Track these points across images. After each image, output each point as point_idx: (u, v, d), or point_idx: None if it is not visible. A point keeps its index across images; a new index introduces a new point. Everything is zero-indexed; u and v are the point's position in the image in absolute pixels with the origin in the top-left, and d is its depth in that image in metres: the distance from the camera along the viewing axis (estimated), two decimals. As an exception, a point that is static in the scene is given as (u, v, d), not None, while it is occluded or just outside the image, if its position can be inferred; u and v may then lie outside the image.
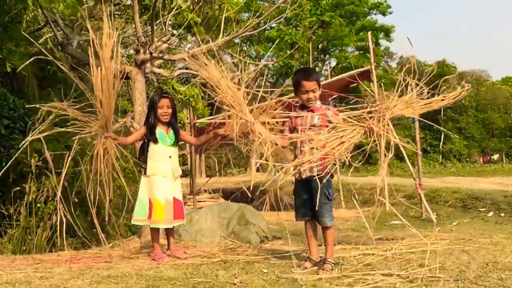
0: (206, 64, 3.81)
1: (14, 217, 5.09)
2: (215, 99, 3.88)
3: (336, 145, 3.32)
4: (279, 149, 3.68)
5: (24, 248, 4.97)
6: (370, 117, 3.42)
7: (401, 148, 5.69)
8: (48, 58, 4.67)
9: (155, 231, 4.17)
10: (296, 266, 3.49)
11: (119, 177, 3.97)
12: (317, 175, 3.46)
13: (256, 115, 3.73)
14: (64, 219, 3.83)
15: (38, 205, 5.11)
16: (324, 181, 3.46)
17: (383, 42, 38.33)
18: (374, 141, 3.28)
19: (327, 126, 3.50)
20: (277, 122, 3.86)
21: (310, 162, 3.50)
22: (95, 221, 3.86)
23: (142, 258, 4.19)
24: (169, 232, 4.26)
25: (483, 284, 2.78)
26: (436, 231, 3.71)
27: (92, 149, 3.93)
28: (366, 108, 3.48)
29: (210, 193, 13.75)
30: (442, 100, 3.55)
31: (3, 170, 4.24)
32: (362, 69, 11.94)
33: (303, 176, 3.52)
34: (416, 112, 3.60)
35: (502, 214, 8.98)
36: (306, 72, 3.87)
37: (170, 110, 4.22)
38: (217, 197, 12.99)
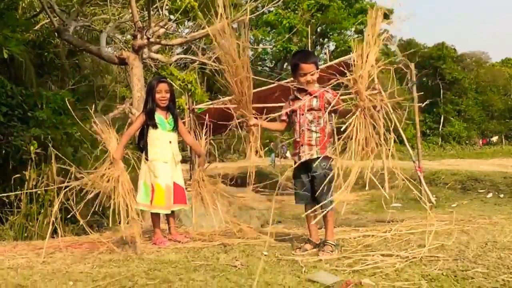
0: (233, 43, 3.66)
1: (15, 204, 5.10)
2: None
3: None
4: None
5: (25, 234, 4.99)
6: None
7: (400, 132, 5.70)
8: (45, 45, 4.60)
9: (155, 216, 4.18)
10: (297, 248, 3.52)
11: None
12: (317, 157, 3.47)
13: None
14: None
15: (39, 192, 5.12)
16: (324, 163, 3.48)
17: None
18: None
19: (326, 109, 3.49)
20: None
21: (310, 145, 3.51)
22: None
23: (143, 242, 4.21)
24: (169, 217, 4.27)
25: (482, 263, 2.80)
26: (429, 210, 3.69)
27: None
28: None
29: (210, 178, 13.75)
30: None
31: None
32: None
33: (303, 159, 3.52)
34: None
35: (501, 195, 9.01)
36: (304, 54, 3.85)
37: (168, 95, 4.20)
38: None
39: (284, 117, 3.73)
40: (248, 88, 3.62)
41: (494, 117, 48.10)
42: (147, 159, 4.16)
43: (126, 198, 3.74)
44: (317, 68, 3.60)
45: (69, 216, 4.90)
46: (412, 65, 9.98)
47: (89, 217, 4.26)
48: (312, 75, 3.56)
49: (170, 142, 4.20)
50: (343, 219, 6.33)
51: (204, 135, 4.40)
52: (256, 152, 3.54)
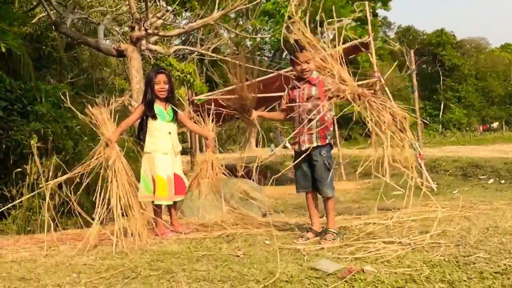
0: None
1: (17, 198, 5.11)
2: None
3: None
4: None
5: (28, 228, 5.00)
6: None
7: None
8: (42, 38, 4.59)
9: (158, 208, 4.19)
10: (298, 236, 3.53)
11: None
12: (317, 146, 3.47)
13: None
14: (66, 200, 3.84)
15: (40, 185, 5.12)
16: (324, 151, 3.48)
17: (381, 12, 37.86)
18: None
19: (325, 97, 3.48)
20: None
21: (309, 134, 3.50)
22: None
23: (146, 234, 4.22)
24: (171, 208, 4.28)
25: (484, 248, 2.80)
26: (432, 197, 3.71)
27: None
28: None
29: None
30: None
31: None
32: (359, 40, 11.81)
33: (303, 148, 3.52)
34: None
35: (502, 181, 9.02)
36: (299, 43, 3.82)
37: (167, 86, 4.19)
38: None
39: (284, 106, 3.72)
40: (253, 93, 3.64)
41: (494, 103, 48.01)
42: (145, 151, 4.16)
43: (125, 185, 3.73)
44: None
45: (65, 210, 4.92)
46: (411, 52, 9.95)
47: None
48: (308, 63, 3.54)
49: (170, 133, 4.20)
50: (345, 207, 6.35)
51: (212, 121, 4.40)
52: (257, 143, 3.55)
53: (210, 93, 12.38)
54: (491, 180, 9.26)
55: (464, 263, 2.54)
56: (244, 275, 2.53)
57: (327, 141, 3.51)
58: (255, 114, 3.71)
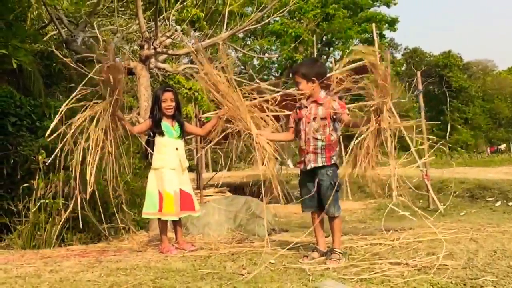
0: (208, 66, 3.77)
1: (23, 213, 5.13)
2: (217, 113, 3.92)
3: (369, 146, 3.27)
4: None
5: (33, 243, 5.01)
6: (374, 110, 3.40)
7: (408, 140, 5.68)
8: (53, 56, 4.67)
9: (163, 224, 4.19)
10: (304, 256, 3.50)
11: (126, 172, 4.01)
12: (322, 166, 3.48)
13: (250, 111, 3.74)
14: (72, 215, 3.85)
15: (47, 201, 5.15)
16: (330, 171, 3.48)
17: (388, 34, 38.08)
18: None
19: (331, 117, 3.51)
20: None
21: (315, 153, 3.51)
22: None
23: (151, 251, 4.22)
24: (176, 224, 4.28)
25: (491, 271, 2.77)
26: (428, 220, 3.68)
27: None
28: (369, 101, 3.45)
29: (216, 187, 13.79)
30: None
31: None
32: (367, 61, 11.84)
33: (308, 168, 3.53)
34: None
35: (510, 204, 8.92)
36: (294, 65, 3.88)
37: (173, 104, 4.24)
38: (223, 191, 13.03)
39: (291, 125, 3.74)
40: (238, 101, 3.65)
41: (502, 125, 47.83)
42: (153, 167, 4.18)
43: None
44: (304, 77, 3.59)
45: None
46: (418, 74, 9.98)
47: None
48: (298, 84, 3.60)
49: (177, 149, 4.24)
50: (350, 227, 6.30)
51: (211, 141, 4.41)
52: (263, 162, 3.54)
53: (217, 111, 12.44)
54: (499, 203, 9.17)
55: (471, 286, 2.51)
56: (248, 294, 2.51)
57: (333, 161, 3.52)
58: (260, 134, 3.68)
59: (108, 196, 4.19)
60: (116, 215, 4.85)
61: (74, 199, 3.85)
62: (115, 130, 3.89)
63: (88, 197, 3.68)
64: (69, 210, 4.22)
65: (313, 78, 3.57)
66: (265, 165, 3.47)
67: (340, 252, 3.38)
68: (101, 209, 4.10)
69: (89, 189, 3.59)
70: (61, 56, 6.11)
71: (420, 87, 9.98)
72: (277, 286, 2.65)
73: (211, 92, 3.76)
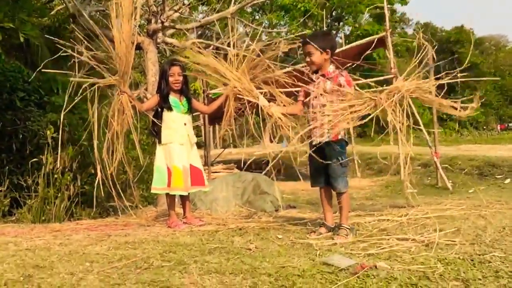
0: (202, 54, 3.75)
1: (33, 188, 5.18)
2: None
3: (345, 113, 3.29)
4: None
5: (43, 218, 5.07)
6: (381, 91, 3.38)
7: (417, 117, 5.62)
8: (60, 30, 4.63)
9: (172, 199, 4.20)
10: (311, 231, 3.51)
11: (134, 148, 4.01)
12: (330, 141, 3.44)
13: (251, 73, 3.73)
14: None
15: (56, 176, 5.19)
16: (337, 147, 3.45)
17: (399, 8, 37.40)
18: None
19: (338, 91, 3.45)
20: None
21: (322, 128, 3.47)
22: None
23: (159, 225, 4.25)
24: (185, 200, 4.29)
25: (499, 247, 2.76)
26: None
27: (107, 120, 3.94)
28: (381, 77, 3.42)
29: (224, 163, 13.84)
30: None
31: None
32: (377, 36, 11.67)
33: (314, 143, 3.49)
34: (426, 100, 3.52)
35: (519, 181, 8.88)
36: (304, 36, 3.79)
37: (181, 78, 4.20)
38: (231, 168, 13.07)
39: (301, 98, 3.68)
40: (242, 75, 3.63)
41: (513, 102, 47.21)
42: (160, 143, 4.17)
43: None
44: (318, 49, 3.51)
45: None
46: (430, 48, 9.80)
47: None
48: (310, 56, 3.51)
49: (185, 124, 4.21)
50: (358, 204, 6.30)
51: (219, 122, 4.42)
52: (271, 140, 3.53)
53: (224, 87, 12.37)
54: (508, 180, 9.12)
55: (479, 262, 2.50)
56: (255, 268, 2.52)
57: (340, 137, 3.48)
58: (274, 108, 3.66)
59: (117, 171, 4.20)
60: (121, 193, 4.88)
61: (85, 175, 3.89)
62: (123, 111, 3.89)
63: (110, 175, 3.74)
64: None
65: (328, 50, 3.51)
66: (290, 139, 3.47)
67: (347, 228, 3.38)
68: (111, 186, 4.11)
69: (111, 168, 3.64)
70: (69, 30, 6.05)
71: (431, 62, 9.83)
72: (284, 260, 2.66)
73: (211, 75, 3.75)
